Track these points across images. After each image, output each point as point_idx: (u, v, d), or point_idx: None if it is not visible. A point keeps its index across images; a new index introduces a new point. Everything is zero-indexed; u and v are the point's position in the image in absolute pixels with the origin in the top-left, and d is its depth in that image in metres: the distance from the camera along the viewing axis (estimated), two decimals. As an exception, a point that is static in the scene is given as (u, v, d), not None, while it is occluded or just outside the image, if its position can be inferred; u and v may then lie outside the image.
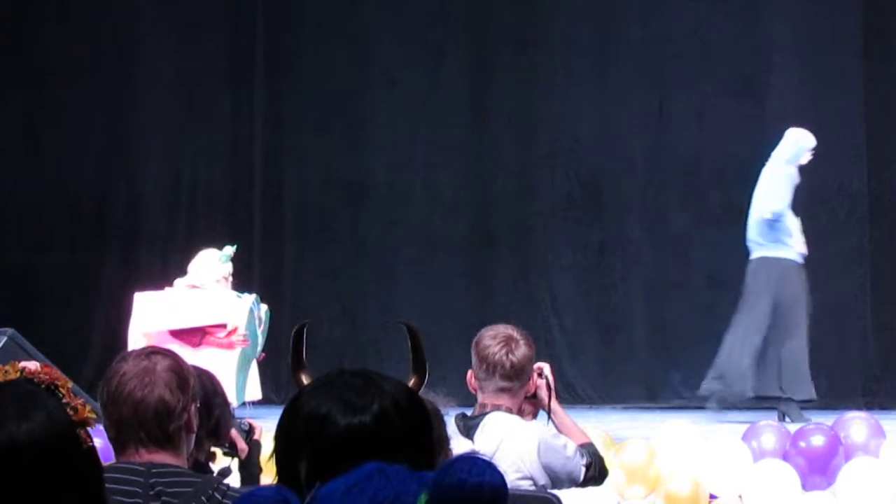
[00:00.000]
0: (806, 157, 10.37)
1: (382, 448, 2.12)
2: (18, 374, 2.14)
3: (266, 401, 10.33)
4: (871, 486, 7.43)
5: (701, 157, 12.49)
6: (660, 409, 11.88)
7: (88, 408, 2.13)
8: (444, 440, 3.47)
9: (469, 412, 4.71)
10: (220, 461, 4.11)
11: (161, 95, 12.92)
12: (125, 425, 3.22)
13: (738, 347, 10.33)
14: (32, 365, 2.21)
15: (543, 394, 4.84)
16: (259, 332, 9.69)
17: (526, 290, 12.66)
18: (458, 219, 12.76)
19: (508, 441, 4.58)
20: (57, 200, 12.70)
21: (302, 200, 12.93)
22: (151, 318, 9.33)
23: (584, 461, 4.72)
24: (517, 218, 12.71)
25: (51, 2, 12.82)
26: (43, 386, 2.13)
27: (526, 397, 4.80)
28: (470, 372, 4.77)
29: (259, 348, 9.80)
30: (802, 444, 7.84)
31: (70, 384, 2.17)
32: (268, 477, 3.40)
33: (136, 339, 8.95)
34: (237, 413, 5.54)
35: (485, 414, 4.66)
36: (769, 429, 8.15)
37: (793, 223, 10.27)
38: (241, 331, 9.43)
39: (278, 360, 10.43)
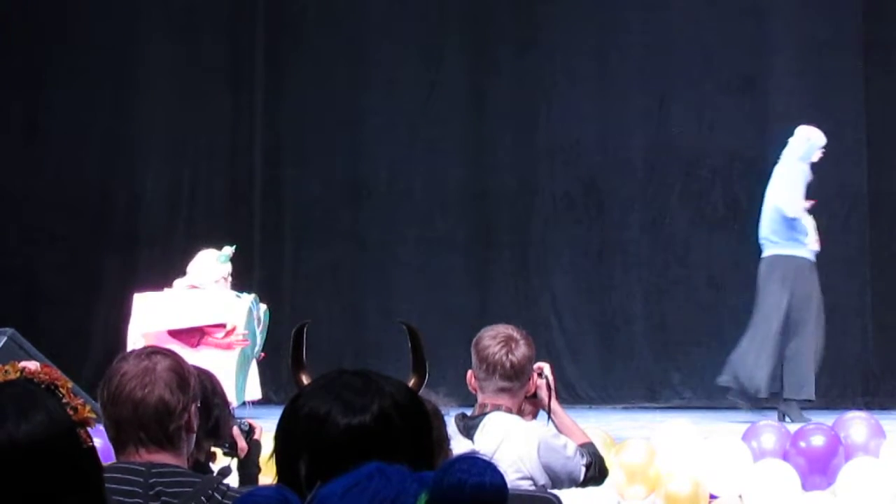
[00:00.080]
0: (817, 155, 10.39)
1: (382, 448, 2.12)
2: (18, 374, 2.14)
3: (266, 401, 10.35)
4: (871, 486, 7.43)
5: (701, 157, 12.49)
6: (660, 409, 11.89)
7: (88, 408, 2.13)
8: (444, 440, 3.46)
9: (469, 412, 4.71)
10: (221, 461, 4.12)
11: (161, 95, 12.92)
12: (125, 425, 3.22)
13: (754, 348, 10.32)
14: (32, 365, 2.21)
15: (543, 394, 4.84)
16: (258, 331, 9.70)
17: (526, 290, 12.67)
18: (458, 219, 12.77)
19: (508, 441, 4.58)
20: (57, 200, 12.70)
21: (302, 200, 12.93)
22: (150, 318, 9.34)
23: (584, 461, 4.72)
24: (517, 218, 12.72)
25: (51, 2, 12.82)
26: (43, 386, 2.13)
27: (526, 397, 4.80)
28: (470, 372, 4.77)
29: (258, 348, 9.81)
30: (802, 444, 7.84)
31: (70, 384, 2.17)
32: (268, 477, 3.40)
33: (136, 339, 8.96)
34: (237, 413, 5.54)
35: (485, 414, 4.66)
36: (769, 429, 8.15)
37: (808, 221, 10.27)
38: (240, 330, 9.44)
39: (278, 360, 10.43)
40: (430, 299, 12.42)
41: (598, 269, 12.62)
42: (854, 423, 8.17)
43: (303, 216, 12.96)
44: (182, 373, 3.29)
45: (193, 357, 7.81)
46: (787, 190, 10.29)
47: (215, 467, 3.98)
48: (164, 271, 10.36)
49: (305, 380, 2.44)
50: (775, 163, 10.63)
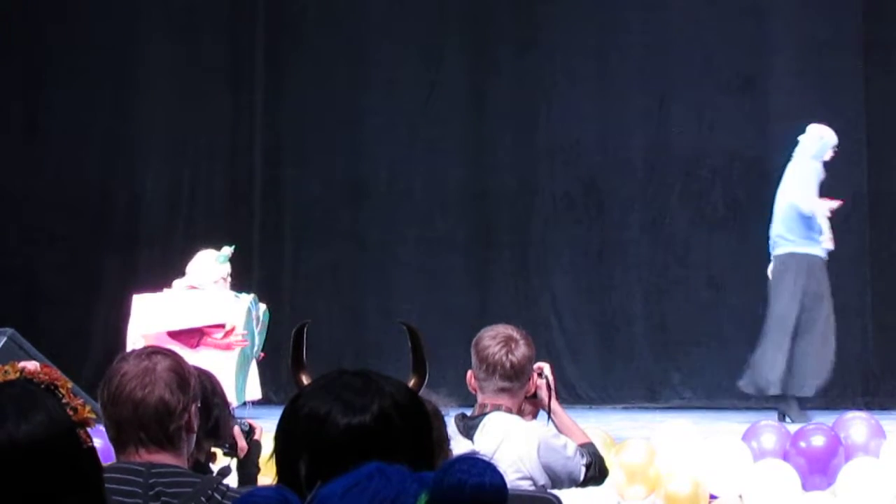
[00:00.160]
0: (829, 154, 10.40)
1: (382, 448, 2.12)
2: (18, 374, 2.14)
3: (266, 401, 10.34)
4: (871, 486, 7.43)
5: (701, 157, 12.49)
6: (660, 409, 11.89)
7: (88, 408, 2.13)
8: (444, 440, 3.46)
9: (469, 412, 4.71)
10: (221, 461, 4.12)
11: (161, 95, 12.92)
12: (125, 425, 3.22)
13: (770, 348, 10.31)
14: (32, 365, 2.21)
15: (543, 394, 4.84)
16: (257, 331, 9.70)
17: (526, 290, 12.67)
18: (458, 219, 12.77)
19: (508, 441, 4.58)
20: (57, 200, 12.70)
21: (302, 200, 12.93)
22: (150, 319, 9.34)
23: (584, 461, 4.72)
24: (517, 218, 12.72)
25: (51, 2, 12.82)
26: (43, 386, 2.13)
27: (526, 397, 4.80)
28: (470, 372, 4.77)
29: (257, 348, 9.81)
30: (802, 444, 7.84)
31: (70, 384, 2.17)
32: (267, 477, 3.40)
33: (135, 340, 8.96)
34: (237, 413, 5.54)
35: (485, 414, 4.66)
36: (769, 429, 8.15)
37: (823, 220, 10.27)
38: (240, 331, 9.44)
39: (278, 359, 10.44)
40: (430, 299, 12.42)
41: (598, 269, 12.62)
42: (854, 423, 8.17)
43: (303, 216, 12.96)
44: (182, 373, 3.29)
45: (193, 358, 7.81)
46: (801, 188, 10.28)
47: (215, 467, 3.98)
48: (164, 271, 10.36)
49: (305, 380, 2.44)
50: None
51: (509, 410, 4.69)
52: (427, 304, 12.32)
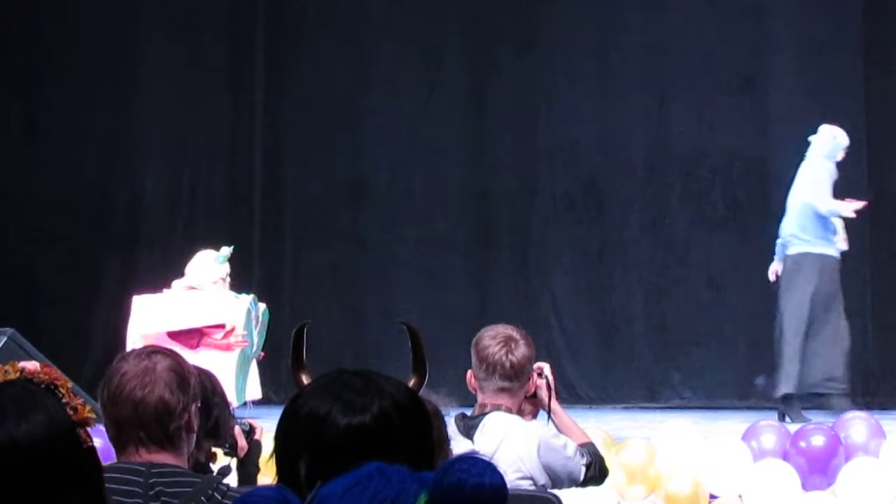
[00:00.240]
0: (841, 155, 10.40)
1: (382, 448, 2.12)
2: (18, 374, 2.14)
3: (266, 401, 10.34)
4: (871, 486, 7.43)
5: (701, 157, 12.49)
6: (660, 409, 11.89)
7: (88, 408, 2.13)
8: (445, 440, 3.46)
9: (469, 412, 4.71)
10: (221, 461, 4.12)
11: (161, 95, 12.93)
12: (125, 425, 3.22)
13: (785, 348, 10.29)
14: (32, 365, 2.21)
15: (543, 394, 4.84)
16: (256, 332, 9.69)
17: (526, 290, 12.67)
18: (458, 219, 12.77)
19: (508, 441, 4.58)
20: (57, 200, 12.70)
21: (302, 200, 12.93)
22: (149, 320, 9.34)
23: (584, 461, 4.72)
24: (517, 218, 12.72)
25: (51, 2, 12.82)
26: (43, 386, 2.13)
27: (526, 397, 4.80)
28: (470, 372, 4.77)
29: (257, 348, 9.81)
30: (802, 444, 7.84)
31: (70, 384, 2.17)
32: (267, 477, 3.40)
33: (135, 341, 8.95)
34: (238, 413, 5.54)
35: (485, 414, 4.66)
36: (769, 429, 8.15)
37: (838, 220, 10.27)
38: (239, 331, 9.44)
39: (278, 359, 10.43)
40: (430, 299, 12.42)
41: (598, 269, 12.62)
42: (854, 423, 8.17)
43: (303, 216, 12.96)
44: (182, 373, 3.29)
45: (193, 358, 7.79)
46: (816, 188, 10.28)
47: (215, 467, 3.98)
48: (164, 271, 10.36)
49: (305, 380, 2.44)
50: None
51: (509, 410, 4.69)
52: (427, 304, 12.32)
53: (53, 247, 12.75)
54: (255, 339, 9.71)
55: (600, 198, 12.65)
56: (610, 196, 12.64)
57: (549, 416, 4.88)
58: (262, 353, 9.96)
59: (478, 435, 4.59)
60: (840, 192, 10.90)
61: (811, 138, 10.49)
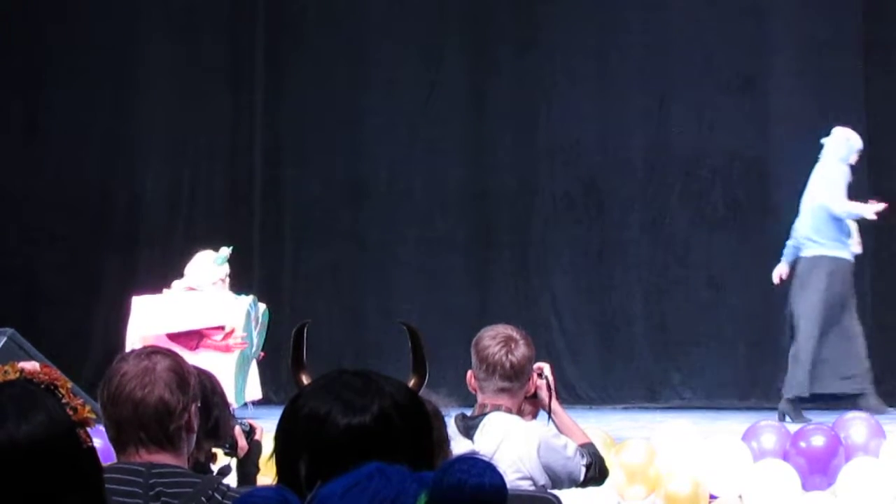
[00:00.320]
0: (854, 157, 10.40)
1: (382, 448, 2.12)
2: (18, 375, 2.14)
3: (266, 401, 10.35)
4: (871, 486, 7.43)
5: (701, 157, 12.49)
6: (660, 409, 11.89)
7: (88, 408, 2.13)
8: (445, 441, 3.46)
9: (469, 412, 4.71)
10: (221, 460, 4.12)
11: (161, 95, 12.93)
12: (125, 425, 3.22)
13: (797, 351, 10.28)
14: (32, 365, 2.21)
15: (544, 394, 4.84)
16: (255, 333, 9.69)
17: (526, 290, 12.67)
18: (458, 219, 12.77)
19: (508, 441, 4.58)
20: (57, 200, 12.70)
21: (302, 200, 12.93)
22: (149, 321, 9.33)
23: (584, 461, 4.72)
24: (517, 218, 12.72)
25: (51, 2, 12.82)
26: (42, 386, 2.13)
27: (526, 397, 4.79)
28: (470, 372, 4.77)
29: (256, 349, 9.81)
30: (802, 444, 7.84)
31: (70, 384, 2.17)
32: (267, 477, 3.40)
33: (134, 342, 8.94)
34: (238, 414, 5.54)
35: (485, 414, 4.65)
36: (769, 429, 8.15)
37: (851, 222, 10.26)
38: (239, 333, 9.43)
39: (278, 359, 10.44)
40: (430, 299, 12.42)
41: (598, 269, 12.62)
42: (854, 423, 8.17)
43: (303, 216, 12.96)
44: (182, 373, 3.29)
45: (192, 360, 7.77)
46: (831, 190, 10.27)
47: (216, 467, 3.98)
48: (164, 271, 10.36)
49: (305, 380, 2.44)
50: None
51: (509, 410, 4.69)
52: (427, 304, 12.32)
53: (53, 247, 12.75)
54: (255, 340, 9.71)
55: (600, 198, 12.65)
56: (610, 196, 12.64)
57: (550, 417, 4.88)
58: (262, 353, 9.96)
59: (478, 435, 4.59)
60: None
61: (824, 141, 10.48)
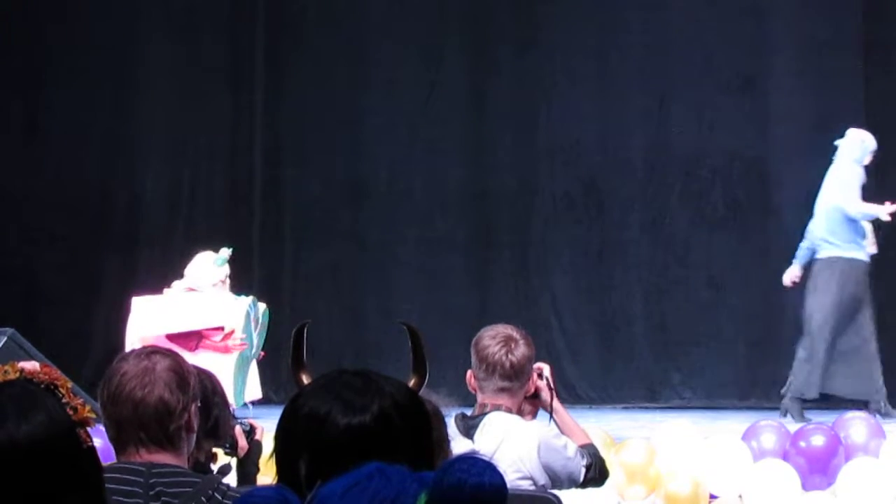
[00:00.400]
0: (868, 158, 10.39)
1: (382, 448, 2.12)
2: (18, 374, 2.14)
3: (266, 401, 10.35)
4: (871, 486, 7.43)
5: (701, 157, 12.49)
6: (660, 409, 11.89)
7: (88, 408, 2.13)
8: (445, 441, 3.46)
9: (469, 412, 4.71)
10: (222, 460, 4.12)
11: (161, 95, 12.92)
12: (125, 425, 3.22)
13: (811, 352, 10.26)
14: (32, 365, 2.21)
15: (546, 395, 4.84)
16: (255, 334, 9.68)
17: (526, 290, 12.66)
18: (458, 219, 12.77)
19: (508, 441, 4.57)
20: (57, 200, 12.70)
21: (302, 200, 12.93)
22: (148, 322, 9.33)
23: (584, 462, 4.72)
24: (517, 218, 12.72)
25: (51, 2, 12.82)
26: (42, 386, 2.13)
27: (526, 397, 4.79)
28: (469, 372, 4.77)
29: (256, 350, 9.80)
30: (802, 444, 7.84)
31: (70, 384, 2.17)
32: (267, 477, 3.40)
33: (133, 343, 8.94)
34: (238, 414, 5.54)
35: (484, 414, 4.65)
36: (769, 429, 8.15)
37: (866, 223, 10.25)
38: (238, 334, 9.42)
39: (278, 359, 10.43)
40: (430, 299, 12.42)
41: (598, 269, 12.62)
42: (854, 423, 8.18)
43: (303, 216, 12.96)
44: (182, 373, 3.29)
45: (192, 361, 7.78)
46: (845, 191, 10.26)
47: (215, 467, 3.98)
48: (164, 271, 10.37)
49: (306, 380, 2.44)
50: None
51: (509, 410, 4.69)
52: (427, 304, 12.32)
53: (53, 247, 12.75)
54: (255, 341, 9.71)
55: (600, 198, 12.65)
56: (610, 196, 12.64)
57: (552, 417, 4.88)
58: (263, 353, 9.96)
59: (478, 435, 4.59)
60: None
61: (838, 142, 10.46)
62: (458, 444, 4.29)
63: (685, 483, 7.62)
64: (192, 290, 9.50)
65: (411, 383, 2.48)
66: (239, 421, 4.29)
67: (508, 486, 1.91)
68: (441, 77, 12.83)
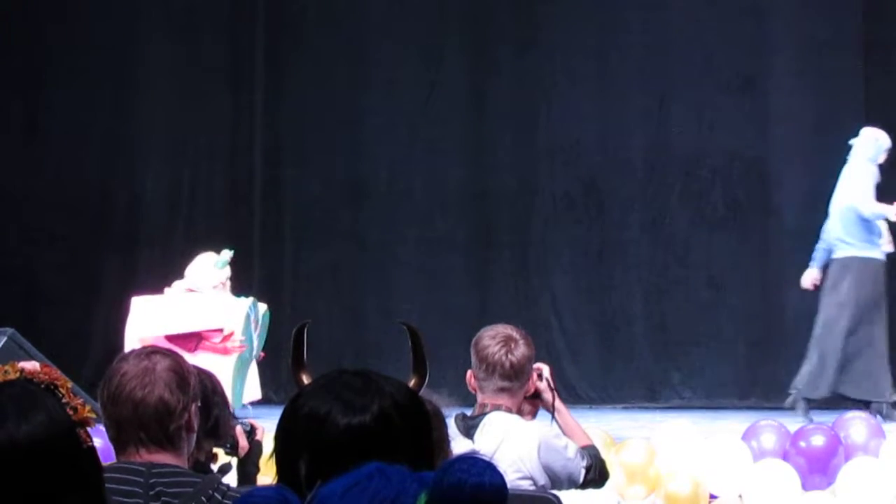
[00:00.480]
0: (883, 157, 10.38)
1: (382, 448, 2.12)
2: (18, 375, 2.14)
3: (266, 401, 10.35)
4: (871, 486, 7.43)
5: (701, 157, 12.49)
6: (660, 409, 11.89)
7: (88, 408, 2.13)
8: (445, 441, 3.46)
9: (469, 412, 4.71)
10: (222, 460, 4.12)
11: (161, 95, 12.92)
12: (125, 425, 3.22)
13: (822, 348, 10.25)
14: (32, 365, 2.21)
15: (547, 395, 4.84)
16: (255, 335, 9.68)
17: (526, 290, 12.66)
18: (458, 219, 12.77)
19: (508, 441, 4.57)
20: (57, 200, 12.70)
21: (302, 200, 12.93)
22: (148, 322, 9.32)
23: (584, 463, 4.71)
24: (517, 218, 12.72)
25: (51, 2, 12.82)
26: (42, 386, 2.13)
27: (526, 397, 4.79)
28: (469, 372, 4.76)
29: (256, 351, 9.80)
30: (802, 444, 7.84)
31: (70, 384, 2.17)
32: (267, 477, 3.40)
33: (132, 343, 8.94)
34: (238, 415, 5.54)
35: (484, 414, 4.65)
36: (769, 429, 8.15)
37: (881, 222, 10.24)
38: (238, 336, 9.42)
39: (278, 359, 10.44)
40: (430, 299, 12.42)
41: (598, 269, 12.62)
42: (854, 423, 8.18)
43: (303, 216, 12.96)
44: (182, 372, 3.29)
45: (191, 362, 7.79)
46: (860, 190, 10.25)
47: (215, 467, 3.98)
48: (164, 271, 10.37)
49: (306, 380, 2.44)
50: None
51: (509, 410, 4.69)
52: (427, 304, 12.32)
53: (53, 247, 12.75)
54: (255, 343, 9.70)
55: (600, 198, 12.65)
56: (610, 196, 12.64)
57: (553, 417, 4.88)
58: (263, 354, 9.96)
59: (478, 435, 4.59)
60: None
61: (852, 141, 10.45)
62: (459, 444, 4.29)
63: (685, 483, 7.62)
64: (192, 290, 9.49)
65: (411, 383, 2.48)
66: (240, 421, 4.29)
67: (508, 486, 1.91)
68: (441, 77, 12.83)
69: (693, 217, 12.51)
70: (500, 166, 12.73)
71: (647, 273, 12.55)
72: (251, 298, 9.77)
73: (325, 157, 12.89)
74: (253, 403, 9.91)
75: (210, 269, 9.52)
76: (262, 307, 9.89)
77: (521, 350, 4.70)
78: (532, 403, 4.85)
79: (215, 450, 4.03)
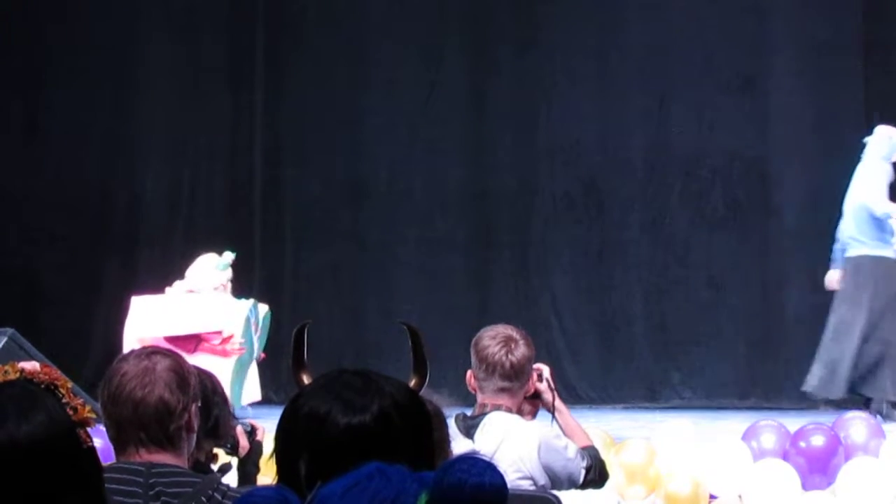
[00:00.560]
0: None
1: (382, 448, 2.12)
2: (18, 375, 2.14)
3: (266, 401, 10.34)
4: (871, 486, 7.43)
5: (701, 157, 12.49)
6: (660, 409, 11.89)
7: (88, 408, 2.13)
8: (445, 441, 3.46)
9: (469, 412, 4.71)
10: (222, 460, 4.12)
11: (161, 95, 12.92)
12: (125, 425, 3.22)
13: (837, 347, 10.24)
14: (32, 365, 2.21)
15: (548, 396, 4.84)
16: (255, 337, 9.67)
17: (526, 290, 12.66)
18: (458, 219, 12.77)
19: (509, 441, 4.58)
20: (57, 200, 12.70)
21: (302, 200, 12.93)
22: (147, 323, 9.32)
23: (584, 463, 4.72)
24: (517, 218, 12.71)
25: (51, 2, 12.82)
26: (43, 386, 2.13)
27: (526, 397, 4.79)
28: (469, 372, 4.77)
29: (256, 353, 9.80)
30: (802, 443, 7.84)
31: (70, 384, 2.17)
32: (267, 477, 3.40)
33: (131, 343, 8.94)
34: (238, 415, 5.54)
35: (485, 414, 4.66)
36: (769, 429, 8.15)
37: (894, 221, 10.23)
38: (238, 338, 9.41)
39: (278, 360, 10.44)
40: (430, 299, 12.42)
41: (598, 269, 12.62)
42: (854, 423, 8.17)
43: (303, 216, 12.96)
44: (182, 373, 3.29)
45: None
46: (873, 189, 10.24)
47: (216, 467, 3.98)
48: (164, 272, 10.37)
49: (306, 380, 2.44)
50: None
51: (509, 410, 4.69)
52: (427, 304, 12.31)
53: (53, 247, 12.75)
54: (255, 345, 9.70)
55: (600, 198, 12.65)
56: (610, 196, 12.64)
57: (554, 417, 4.88)
58: (263, 354, 9.95)
59: (478, 435, 4.59)
60: (842, 192, 10.89)
61: (867, 140, 10.44)
62: (459, 444, 4.29)
63: (685, 483, 7.62)
64: (192, 292, 9.49)
65: (412, 383, 2.48)
66: (240, 421, 4.29)
67: (508, 486, 1.91)
68: (441, 77, 12.83)
69: (693, 217, 12.51)
70: (500, 166, 12.73)
71: (647, 273, 12.55)
72: (252, 300, 9.76)
73: (325, 157, 12.89)
74: (253, 404, 9.91)
75: (211, 270, 9.52)
76: (263, 309, 9.88)
77: (521, 350, 4.70)
78: (532, 403, 4.85)
79: (215, 450, 4.03)
